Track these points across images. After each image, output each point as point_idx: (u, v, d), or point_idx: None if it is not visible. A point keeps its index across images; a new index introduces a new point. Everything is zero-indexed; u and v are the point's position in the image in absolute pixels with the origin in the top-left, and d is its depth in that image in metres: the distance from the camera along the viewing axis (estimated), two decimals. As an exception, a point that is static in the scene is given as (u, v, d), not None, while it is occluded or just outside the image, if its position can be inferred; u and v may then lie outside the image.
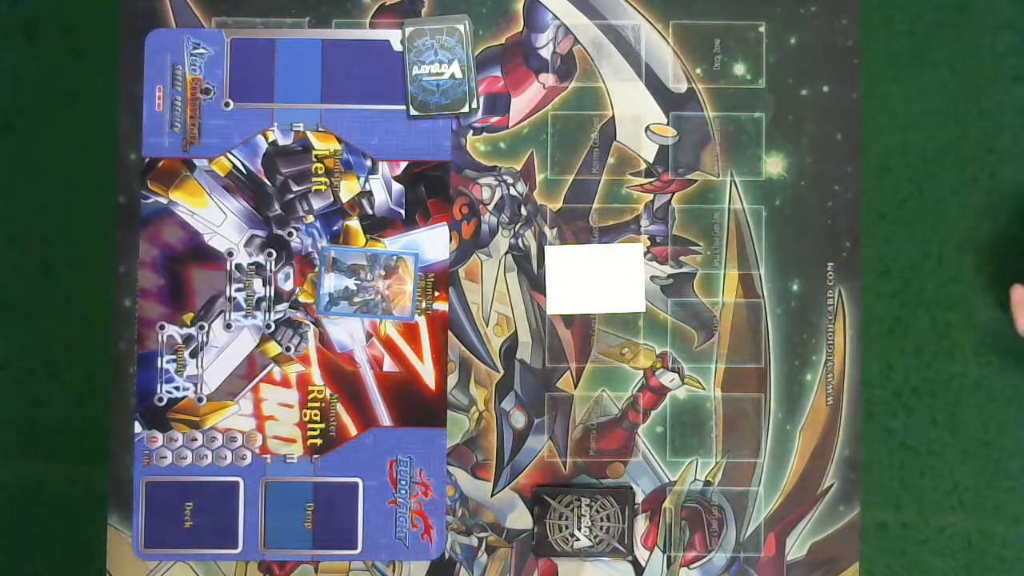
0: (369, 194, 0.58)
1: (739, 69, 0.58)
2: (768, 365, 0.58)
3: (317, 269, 0.58)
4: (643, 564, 0.58)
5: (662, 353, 0.58)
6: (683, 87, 0.58)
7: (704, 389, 0.58)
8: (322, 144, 0.58)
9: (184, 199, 0.58)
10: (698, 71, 0.58)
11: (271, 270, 0.58)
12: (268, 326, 0.57)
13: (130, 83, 0.58)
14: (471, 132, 0.58)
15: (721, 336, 0.58)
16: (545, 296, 0.58)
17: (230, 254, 0.58)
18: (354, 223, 0.58)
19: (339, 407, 0.57)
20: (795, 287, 0.58)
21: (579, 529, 0.56)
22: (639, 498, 0.58)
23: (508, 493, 0.58)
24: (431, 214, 0.58)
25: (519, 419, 0.58)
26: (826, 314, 0.58)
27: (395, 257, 0.58)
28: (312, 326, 0.57)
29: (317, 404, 0.57)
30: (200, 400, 0.57)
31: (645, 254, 0.58)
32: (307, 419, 0.57)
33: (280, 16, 0.58)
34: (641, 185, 0.58)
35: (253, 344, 0.57)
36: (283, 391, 0.57)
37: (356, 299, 0.57)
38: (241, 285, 0.57)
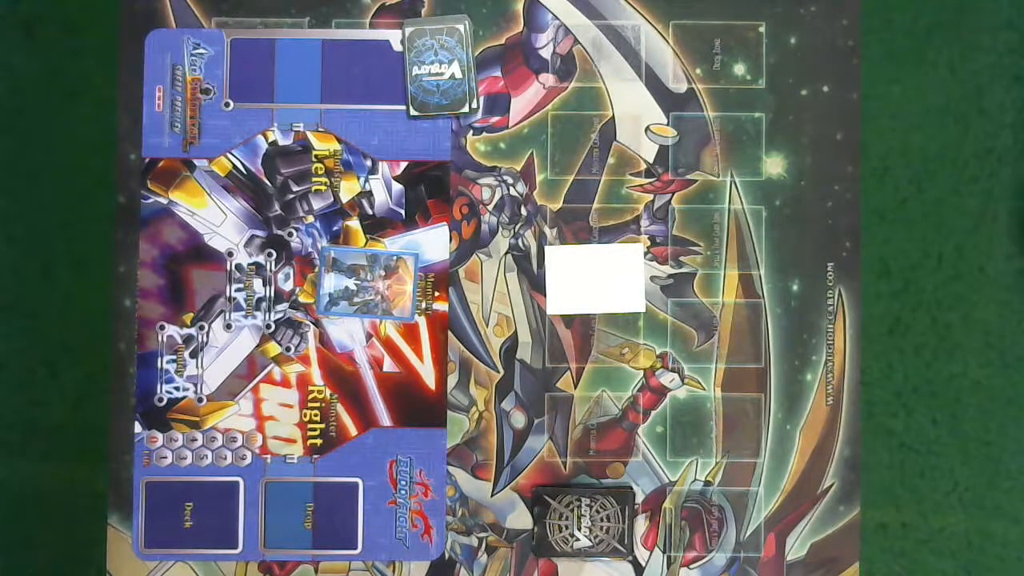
0: (369, 194, 0.58)
1: (739, 69, 0.58)
2: (768, 365, 0.58)
3: (317, 269, 0.58)
4: (643, 564, 0.58)
5: (662, 353, 0.58)
6: (683, 87, 0.58)
7: (704, 389, 0.58)
8: (322, 144, 0.58)
9: (184, 199, 0.58)
10: (698, 71, 0.58)
11: (271, 270, 0.58)
12: (268, 326, 0.57)
13: (130, 83, 0.58)
14: (471, 132, 0.58)
15: (721, 336, 0.58)
16: (545, 296, 0.58)
17: (230, 254, 0.58)
18: (354, 223, 0.58)
19: (339, 407, 0.57)
20: (795, 287, 0.58)
21: (579, 529, 0.56)
22: (639, 498, 0.58)
23: (508, 493, 0.58)
24: (431, 214, 0.58)
25: (519, 419, 0.58)
26: (826, 314, 0.58)
27: (395, 257, 0.58)
28: (312, 326, 0.57)
29: (317, 404, 0.57)
30: (200, 400, 0.57)
31: (645, 254, 0.58)
32: (307, 419, 0.57)
33: (280, 16, 0.58)
34: (641, 185, 0.58)
35: (253, 344, 0.57)
36: (283, 391, 0.57)
37: (356, 299, 0.57)
38: (241, 285, 0.57)
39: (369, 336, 0.58)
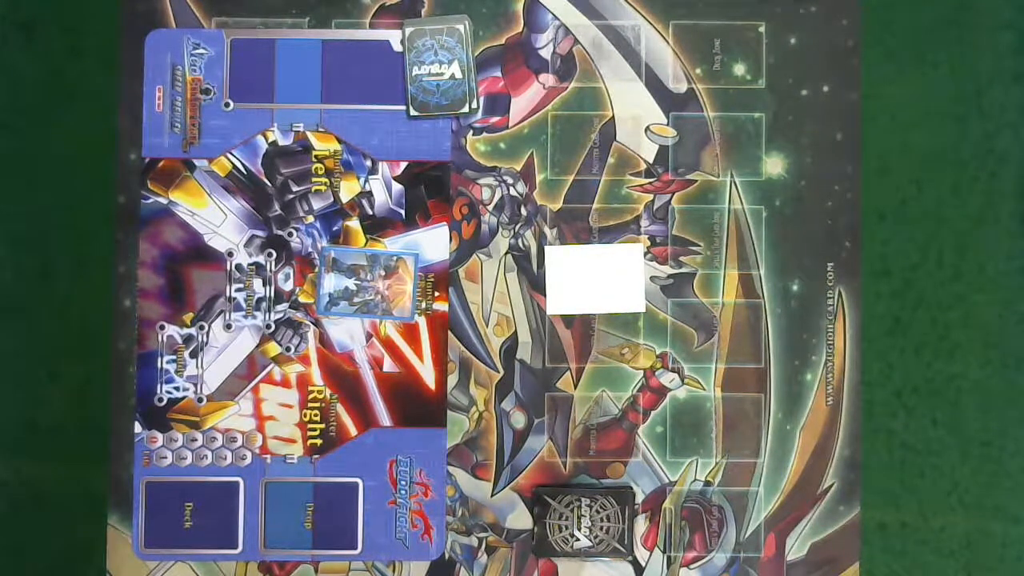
0: (369, 194, 0.58)
1: (739, 69, 0.58)
2: (768, 365, 0.58)
3: (317, 269, 0.58)
4: (643, 564, 0.58)
5: (662, 353, 0.58)
6: (683, 87, 0.58)
7: (704, 389, 0.58)
8: (322, 144, 0.58)
9: (184, 199, 0.58)
10: (698, 71, 0.58)
11: (271, 270, 0.58)
12: (268, 326, 0.57)
13: (130, 83, 0.58)
14: (471, 132, 0.58)
15: (721, 336, 0.58)
16: (545, 296, 0.58)
17: (230, 254, 0.58)
18: (354, 223, 0.58)
19: (339, 407, 0.57)
20: (795, 287, 0.58)
21: (579, 529, 0.56)
22: (639, 498, 0.58)
23: (508, 493, 0.58)
24: (431, 214, 0.58)
25: (519, 419, 0.58)
26: (826, 314, 0.58)
27: (395, 257, 0.58)
28: (312, 326, 0.57)
29: (317, 404, 0.57)
30: (200, 400, 0.57)
31: (645, 254, 0.58)
32: (307, 419, 0.57)
33: (280, 16, 0.58)
34: (641, 185, 0.58)
35: (253, 344, 0.57)
36: (283, 391, 0.57)
37: (356, 299, 0.57)
38: (241, 285, 0.57)
39: (369, 336, 0.58)
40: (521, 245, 0.58)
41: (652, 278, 0.58)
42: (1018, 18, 0.60)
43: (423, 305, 0.58)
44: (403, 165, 0.58)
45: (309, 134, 0.58)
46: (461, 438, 0.58)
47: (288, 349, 0.57)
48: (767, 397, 0.58)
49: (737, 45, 0.59)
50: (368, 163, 0.58)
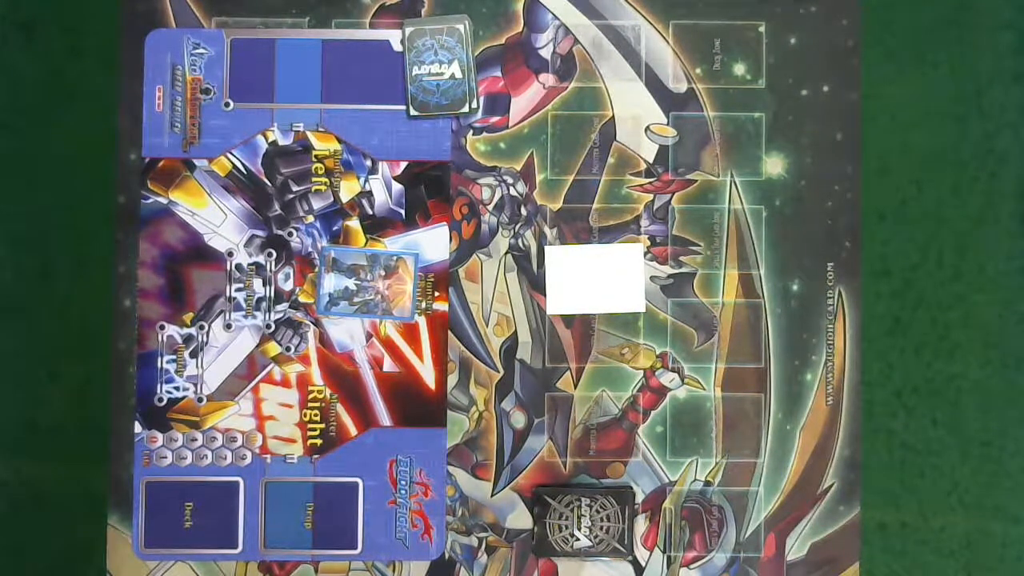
0: (369, 194, 0.58)
1: (739, 69, 0.59)
2: (768, 365, 0.58)
3: (317, 269, 0.58)
4: (643, 564, 0.58)
5: (662, 353, 0.58)
6: (683, 87, 0.58)
7: (704, 389, 0.58)
8: (322, 144, 0.58)
9: (184, 199, 0.58)
10: (698, 71, 0.59)
11: (271, 270, 0.58)
12: (268, 326, 0.57)
13: (130, 83, 0.58)
14: (471, 132, 0.58)
15: (721, 336, 0.58)
16: (545, 296, 0.58)
17: (230, 254, 0.58)
18: (354, 223, 0.58)
19: (339, 407, 0.57)
20: (795, 287, 0.58)
21: (579, 529, 0.56)
22: (639, 498, 0.58)
23: (508, 493, 0.58)
24: (431, 214, 0.58)
25: (519, 419, 0.58)
26: (826, 314, 0.58)
27: (395, 257, 0.58)
28: (312, 326, 0.57)
29: (317, 404, 0.57)
30: (200, 400, 0.57)
31: (645, 254, 0.58)
32: (307, 419, 0.57)
33: (280, 16, 0.58)
34: (641, 185, 0.58)
35: (253, 344, 0.57)
36: (283, 391, 0.57)
37: (356, 299, 0.57)
38: (241, 285, 0.57)
39: (369, 336, 0.58)
40: (521, 245, 0.58)
41: (652, 278, 0.58)
42: (1018, 18, 0.60)
43: (423, 305, 0.58)
44: (403, 165, 0.58)
45: (309, 134, 0.58)
46: (461, 438, 0.58)
47: (288, 349, 0.57)
48: (767, 397, 0.58)
49: (737, 45, 0.59)
50: (368, 163, 0.58)
